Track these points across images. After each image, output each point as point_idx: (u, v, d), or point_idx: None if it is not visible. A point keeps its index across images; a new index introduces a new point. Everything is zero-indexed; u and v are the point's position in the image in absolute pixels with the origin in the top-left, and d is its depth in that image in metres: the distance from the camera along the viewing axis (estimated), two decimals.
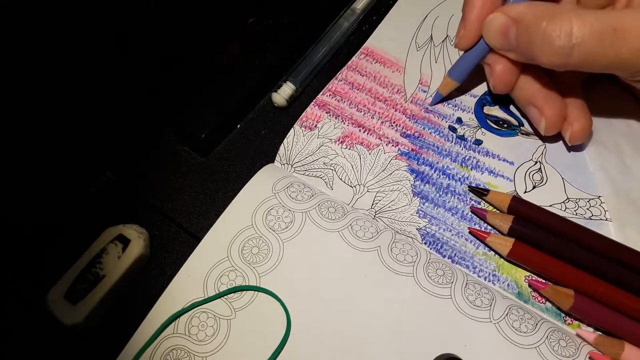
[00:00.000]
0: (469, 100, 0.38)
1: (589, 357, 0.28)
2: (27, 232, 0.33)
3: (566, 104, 0.33)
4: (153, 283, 0.31)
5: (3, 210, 0.33)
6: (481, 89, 0.38)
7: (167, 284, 0.30)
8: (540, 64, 0.29)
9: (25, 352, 0.30)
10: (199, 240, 0.32)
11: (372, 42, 0.40)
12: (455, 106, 0.38)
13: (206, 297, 0.30)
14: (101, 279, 0.30)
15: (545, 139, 0.36)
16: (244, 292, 0.30)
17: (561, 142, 0.36)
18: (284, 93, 0.37)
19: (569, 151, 0.36)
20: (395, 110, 0.37)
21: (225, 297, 0.30)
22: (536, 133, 0.36)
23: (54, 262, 0.31)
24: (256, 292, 0.30)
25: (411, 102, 0.38)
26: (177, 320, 0.29)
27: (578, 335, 0.30)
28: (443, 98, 0.37)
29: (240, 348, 0.29)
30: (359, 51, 0.40)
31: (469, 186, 0.34)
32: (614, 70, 0.29)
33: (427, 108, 0.38)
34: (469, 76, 0.35)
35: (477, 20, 0.32)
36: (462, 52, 0.34)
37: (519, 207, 0.32)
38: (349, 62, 0.39)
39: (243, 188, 0.33)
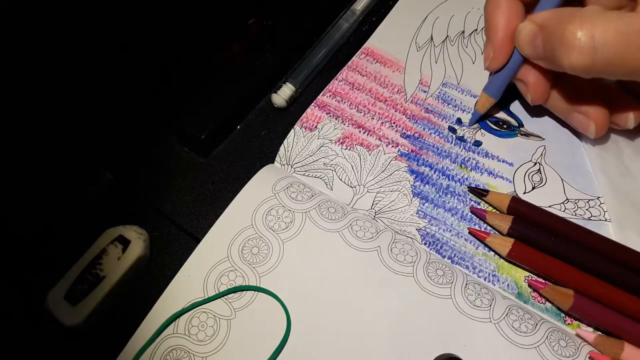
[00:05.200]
0: (469, 100, 0.38)
1: (589, 357, 0.28)
2: (27, 233, 0.33)
3: (607, 104, 0.33)
4: (153, 283, 0.31)
5: (3, 211, 0.33)
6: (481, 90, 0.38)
7: (167, 285, 0.30)
8: (563, 68, 0.28)
9: (25, 352, 0.30)
10: (198, 240, 0.32)
11: (372, 42, 0.40)
12: (456, 107, 0.38)
13: (206, 297, 0.30)
14: (101, 279, 0.30)
15: (545, 140, 0.36)
16: (244, 292, 0.30)
17: (561, 142, 0.36)
18: (283, 94, 0.37)
19: (569, 152, 0.36)
20: (396, 111, 0.37)
21: (225, 297, 0.30)
22: (536, 134, 0.36)
23: (54, 263, 0.31)
24: (256, 292, 0.30)
25: (411, 102, 0.38)
26: (177, 320, 0.29)
27: (578, 335, 0.30)
28: (481, 117, 0.37)
29: (240, 348, 0.29)
30: (359, 51, 0.40)
31: (468, 187, 0.35)
32: (639, 77, 0.28)
33: (427, 108, 0.38)
34: (465, 77, 0.35)
35: (504, 40, 0.32)
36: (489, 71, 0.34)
37: (518, 208, 0.32)
38: (349, 62, 0.39)
39: (243, 188, 0.33)
